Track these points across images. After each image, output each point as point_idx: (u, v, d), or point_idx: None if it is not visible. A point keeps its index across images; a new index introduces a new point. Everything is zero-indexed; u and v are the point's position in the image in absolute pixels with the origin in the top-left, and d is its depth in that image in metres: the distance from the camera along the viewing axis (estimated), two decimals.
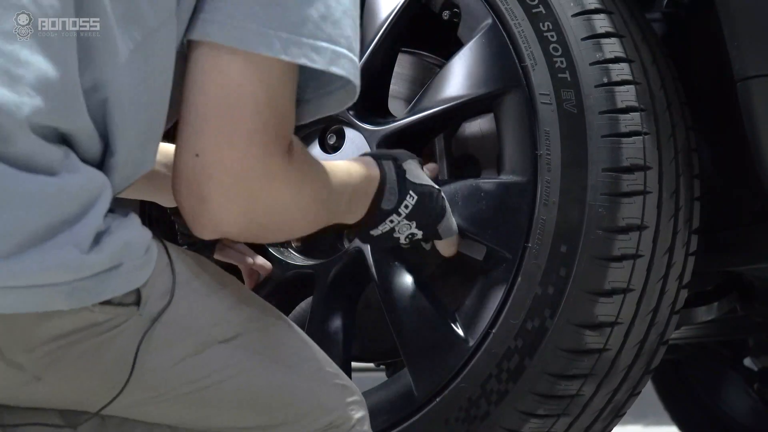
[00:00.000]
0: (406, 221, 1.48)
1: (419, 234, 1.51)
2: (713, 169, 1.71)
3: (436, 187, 1.53)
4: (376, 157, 1.46)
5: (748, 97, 1.51)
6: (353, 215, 1.42)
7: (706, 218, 1.63)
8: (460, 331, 1.54)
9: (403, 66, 1.78)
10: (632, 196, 1.48)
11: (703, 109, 1.68)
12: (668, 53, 1.62)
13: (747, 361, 2.76)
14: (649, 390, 2.59)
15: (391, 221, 1.47)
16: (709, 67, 1.69)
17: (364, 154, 1.48)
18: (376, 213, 1.45)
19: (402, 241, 1.51)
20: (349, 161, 1.40)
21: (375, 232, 1.48)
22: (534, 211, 1.50)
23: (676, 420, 2.81)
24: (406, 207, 1.48)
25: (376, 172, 1.44)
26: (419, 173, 1.51)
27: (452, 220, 1.55)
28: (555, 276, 1.48)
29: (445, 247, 1.58)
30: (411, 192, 1.48)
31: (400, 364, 1.83)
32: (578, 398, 1.53)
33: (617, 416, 1.62)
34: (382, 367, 1.93)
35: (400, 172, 1.47)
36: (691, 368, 2.74)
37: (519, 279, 1.50)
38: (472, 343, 1.53)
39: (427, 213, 1.51)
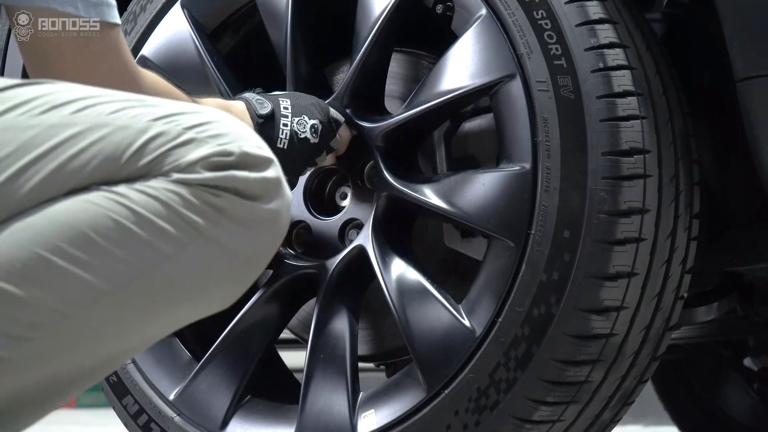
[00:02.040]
0: (295, 118, 1.60)
1: (318, 124, 1.61)
2: (713, 169, 1.71)
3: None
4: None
5: (748, 97, 1.51)
6: None
7: (706, 219, 1.63)
8: (467, 322, 1.54)
9: (397, 64, 1.78)
10: (633, 180, 1.48)
11: (703, 109, 1.68)
12: (664, 44, 1.62)
13: (747, 361, 2.76)
14: (649, 390, 2.58)
15: (285, 125, 1.58)
16: (709, 67, 1.70)
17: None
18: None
19: (309, 136, 1.60)
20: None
21: (281, 145, 1.58)
22: (535, 198, 1.50)
23: (676, 420, 2.80)
24: (286, 108, 1.60)
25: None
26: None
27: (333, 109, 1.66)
28: (559, 262, 1.48)
29: (343, 135, 1.67)
30: (279, 99, 1.60)
31: (400, 365, 1.82)
32: (587, 385, 1.52)
33: (626, 404, 1.62)
34: (381, 367, 1.92)
35: (258, 92, 1.62)
36: (691, 368, 2.74)
37: (524, 266, 1.50)
38: (478, 332, 1.52)
39: (309, 103, 1.62)
